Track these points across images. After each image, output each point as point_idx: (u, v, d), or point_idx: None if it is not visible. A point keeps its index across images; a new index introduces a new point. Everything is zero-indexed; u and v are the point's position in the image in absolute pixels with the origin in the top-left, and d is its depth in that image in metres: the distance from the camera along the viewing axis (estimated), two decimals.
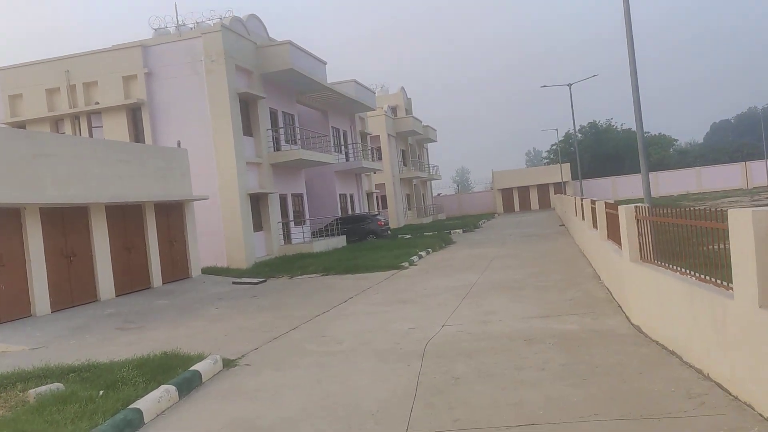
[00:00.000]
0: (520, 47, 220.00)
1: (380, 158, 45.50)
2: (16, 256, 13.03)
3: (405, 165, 51.54)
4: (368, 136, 42.05)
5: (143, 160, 17.36)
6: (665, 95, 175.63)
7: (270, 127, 26.21)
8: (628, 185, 63.74)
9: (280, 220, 26.23)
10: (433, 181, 65.31)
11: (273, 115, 27.03)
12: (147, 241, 17.29)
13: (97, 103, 23.79)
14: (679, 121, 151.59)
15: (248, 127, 24.72)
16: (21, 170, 13.11)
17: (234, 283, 18.38)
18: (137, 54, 23.29)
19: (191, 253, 19.29)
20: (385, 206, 45.89)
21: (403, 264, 18.99)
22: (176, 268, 18.56)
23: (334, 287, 15.70)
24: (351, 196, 36.60)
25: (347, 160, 36.14)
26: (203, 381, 7.22)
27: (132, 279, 16.50)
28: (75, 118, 24.18)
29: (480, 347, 7.60)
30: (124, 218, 16.57)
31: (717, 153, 77.43)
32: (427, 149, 63.72)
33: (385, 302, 12.26)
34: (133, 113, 23.85)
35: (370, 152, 41.57)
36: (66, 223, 14.50)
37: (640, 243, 7.57)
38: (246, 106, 24.63)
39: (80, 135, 23.62)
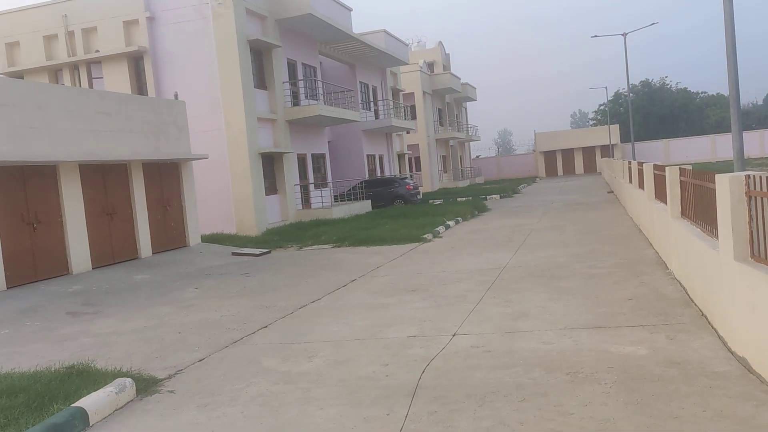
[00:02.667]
0: (573, 13, 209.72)
1: (414, 117, 42.61)
2: None
3: (441, 125, 48.52)
4: (401, 93, 39.17)
5: (129, 113, 15.15)
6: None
7: (287, 80, 23.74)
8: (682, 149, 59.30)
9: (298, 182, 23.96)
10: (471, 143, 62.08)
11: (291, 66, 24.50)
12: (133, 205, 15.21)
13: (97, 51, 21.67)
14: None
15: (261, 80, 22.30)
16: None
17: (233, 254, 16.25)
18: None
19: (189, 220, 17.19)
20: (418, 168, 43.20)
21: (426, 236, 16.51)
22: (170, 236, 16.51)
23: (340, 264, 13.38)
24: (380, 158, 34.07)
25: (376, 118, 33.47)
26: (91, 423, 4.98)
27: (113, 249, 14.48)
28: (74, 67, 22.16)
29: (499, 383, 5.14)
30: (104, 179, 14.47)
31: None
32: (466, 109, 60.33)
33: (391, 290, 9.87)
34: (135, 63, 21.67)
35: (402, 110, 38.74)
36: (27, 184, 12.46)
37: (752, 233, 4.92)
38: (259, 55, 22.17)
39: (79, 86, 21.62)
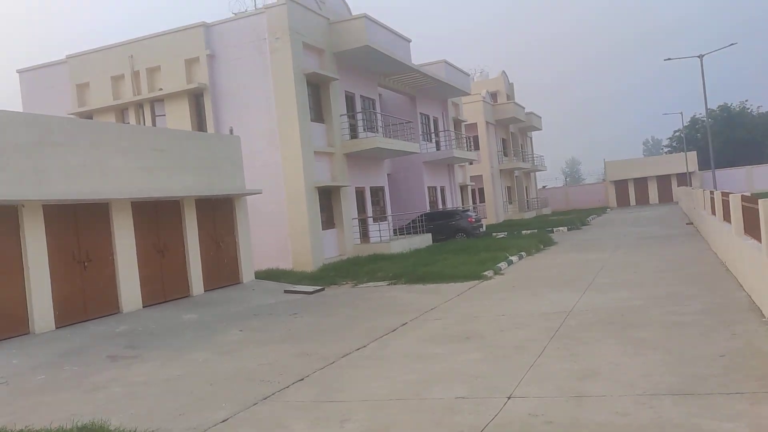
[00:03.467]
0: (636, 24, 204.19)
1: (477, 148, 41.69)
2: (12, 261, 11.02)
3: (506, 155, 47.32)
4: (463, 124, 38.39)
5: (183, 150, 15.09)
6: None
7: (345, 113, 23.48)
8: (767, 176, 55.49)
9: (356, 216, 23.46)
10: (537, 173, 60.34)
11: (349, 99, 24.26)
12: (185, 241, 15.02)
13: (161, 89, 22.10)
14: None
15: (319, 113, 22.10)
16: (19, 161, 11.08)
17: (286, 291, 15.76)
18: (199, 35, 21.28)
19: (242, 256, 16.88)
20: (482, 200, 42.07)
21: (486, 273, 15.52)
22: (223, 272, 16.21)
23: (392, 304, 12.60)
24: (442, 189, 33.25)
25: (438, 149, 32.79)
26: None
27: (164, 287, 14.26)
28: (139, 106, 22.67)
29: None
30: (157, 216, 14.35)
31: None
32: (531, 138, 58.81)
33: (443, 336, 8.99)
34: (196, 99, 21.93)
35: (464, 141, 37.93)
36: (79, 222, 12.41)
37: None
38: (317, 89, 22.01)
39: (143, 124, 22.06)
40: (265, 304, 14.07)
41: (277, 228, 20.23)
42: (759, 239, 8.53)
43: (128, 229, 13.36)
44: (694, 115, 71.02)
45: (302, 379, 7.33)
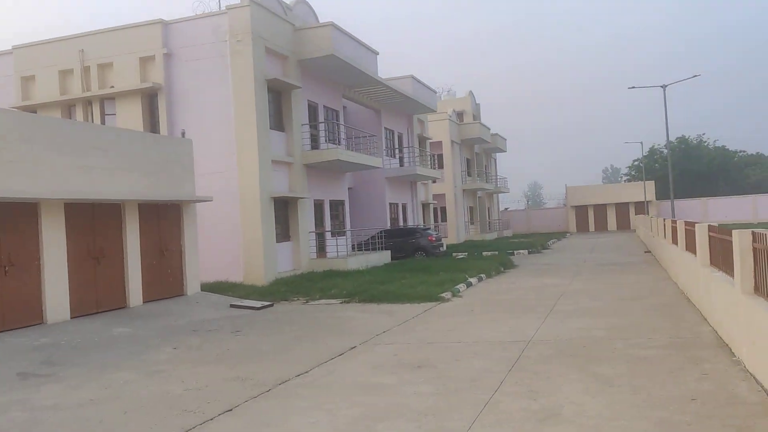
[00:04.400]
0: (602, 58, 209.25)
1: (441, 166, 41.37)
2: None
3: (469, 175, 47.15)
4: (428, 141, 38.04)
5: (128, 150, 14.09)
6: (763, 113, 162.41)
7: (307, 122, 22.73)
8: (721, 208, 56.68)
9: (313, 229, 22.63)
10: (500, 195, 60.48)
11: (312, 109, 23.54)
12: (125, 248, 13.96)
13: (112, 87, 20.99)
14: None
15: (279, 121, 21.31)
16: None
17: (232, 306, 14.82)
18: (156, 32, 20.32)
19: (188, 266, 15.88)
20: (444, 219, 41.66)
21: (444, 294, 14.88)
22: (165, 283, 15.17)
23: (343, 324, 11.82)
24: (404, 207, 32.69)
25: (401, 165, 32.27)
26: None
27: (98, 297, 13.16)
28: (88, 103, 21.46)
29: None
30: (94, 220, 13.29)
31: None
32: (495, 160, 59.00)
33: (394, 364, 8.25)
34: (150, 100, 20.88)
35: (429, 159, 37.55)
36: (6, 223, 11.30)
37: None
38: (278, 96, 21.24)
39: (92, 122, 20.88)
40: (207, 319, 13.11)
41: (230, 238, 19.26)
42: (728, 272, 8.10)
43: (59, 231, 12.27)
44: (653, 146, 72.48)
45: (231, 410, 6.49)
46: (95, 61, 21.14)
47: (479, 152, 50.76)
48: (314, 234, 22.61)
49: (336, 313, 13.49)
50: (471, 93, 50.95)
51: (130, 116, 20.65)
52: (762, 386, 6.12)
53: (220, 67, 19.66)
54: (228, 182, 19.28)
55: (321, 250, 23.24)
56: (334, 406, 6.46)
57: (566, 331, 9.89)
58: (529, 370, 7.47)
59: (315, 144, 23.16)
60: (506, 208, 68.45)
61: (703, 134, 75.03)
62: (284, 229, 21.17)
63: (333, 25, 21.87)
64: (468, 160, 47.70)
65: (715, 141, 74.36)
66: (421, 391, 6.84)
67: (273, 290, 17.28)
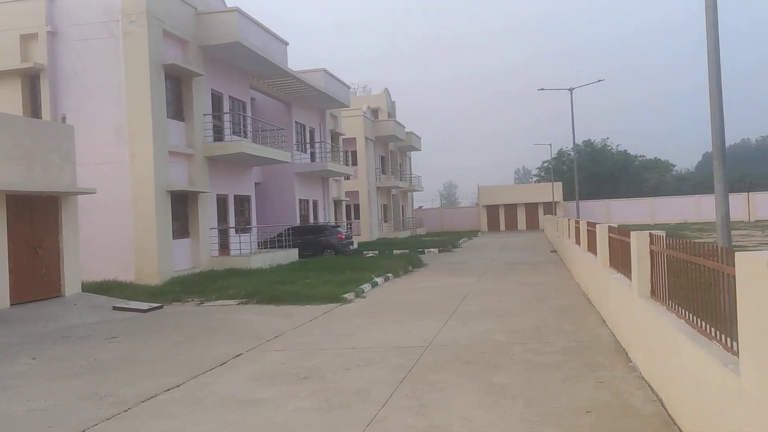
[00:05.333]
0: (515, 51, 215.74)
1: (355, 163, 40.84)
2: None
3: (383, 173, 46.90)
4: (341, 137, 37.34)
5: None
6: (660, 119, 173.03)
7: (210, 113, 21.47)
8: (623, 209, 59.50)
9: (215, 226, 21.42)
10: (415, 193, 60.73)
11: (217, 98, 22.29)
12: None
13: None
14: (672, 148, 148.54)
15: (179, 110, 19.97)
16: None
17: (115, 308, 13.55)
18: (40, 7, 18.46)
19: (66, 264, 14.41)
20: (357, 216, 41.15)
21: (347, 295, 14.26)
22: (39, 283, 13.67)
23: (234, 328, 10.94)
24: (314, 203, 31.85)
25: (312, 160, 31.41)
26: None
27: None
28: None
29: None
30: None
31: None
32: (410, 158, 59.19)
33: (279, 374, 7.52)
34: (31, 81, 18.98)
35: (342, 155, 36.88)
36: None
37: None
38: (177, 83, 19.89)
39: None
40: (83, 324, 11.85)
41: (120, 234, 17.79)
42: (627, 274, 7.93)
43: None
44: (561, 149, 75.23)
45: None
46: None
47: (394, 150, 50.65)
48: (217, 230, 21.42)
49: (230, 315, 12.57)
50: (386, 90, 50.75)
51: (8, 98, 18.68)
52: (657, 395, 5.87)
53: (111, 49, 18.12)
54: (119, 173, 17.83)
55: (224, 247, 22.07)
56: (201, 427, 5.66)
57: (467, 334, 9.50)
58: (422, 380, 6.95)
59: (219, 136, 21.92)
60: (420, 207, 68.97)
61: (607, 138, 78.55)
62: (183, 225, 19.87)
63: (239, 11, 20.74)
64: (382, 158, 47.45)
65: (617, 145, 78.08)
66: (303, 406, 6.16)
67: (166, 290, 16.08)
